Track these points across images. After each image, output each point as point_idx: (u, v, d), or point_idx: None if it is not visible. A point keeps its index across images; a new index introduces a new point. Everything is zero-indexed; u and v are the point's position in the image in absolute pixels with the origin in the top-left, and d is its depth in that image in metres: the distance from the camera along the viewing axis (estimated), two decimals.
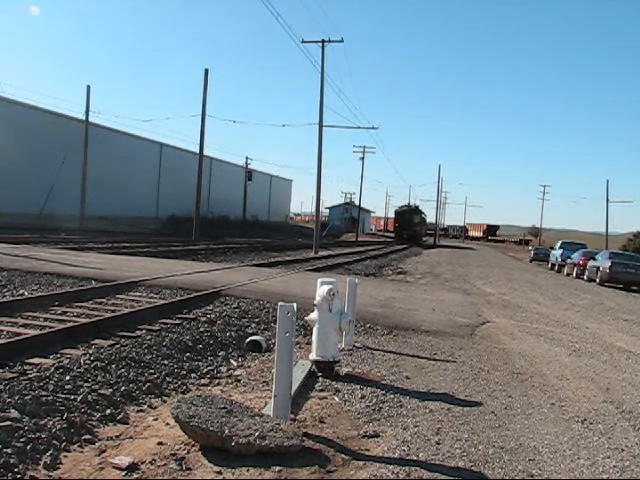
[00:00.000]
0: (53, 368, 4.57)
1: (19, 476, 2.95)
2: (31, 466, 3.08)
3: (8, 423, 3.40)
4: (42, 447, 3.28)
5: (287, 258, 21.92)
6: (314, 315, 5.21)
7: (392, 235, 67.22)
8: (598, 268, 22.89)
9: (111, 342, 5.78)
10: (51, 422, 3.58)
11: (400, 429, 3.92)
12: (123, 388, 4.43)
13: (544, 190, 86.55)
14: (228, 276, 11.94)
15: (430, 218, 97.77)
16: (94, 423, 3.79)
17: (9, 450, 3.12)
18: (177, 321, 7.12)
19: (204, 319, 7.31)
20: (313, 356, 5.24)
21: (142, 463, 3.19)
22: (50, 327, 6.14)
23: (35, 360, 4.94)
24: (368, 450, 3.55)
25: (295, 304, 3.87)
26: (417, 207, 67.56)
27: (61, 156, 35.22)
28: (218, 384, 4.96)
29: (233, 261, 18.96)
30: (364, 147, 61.51)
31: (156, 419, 3.96)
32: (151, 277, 10.52)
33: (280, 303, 3.87)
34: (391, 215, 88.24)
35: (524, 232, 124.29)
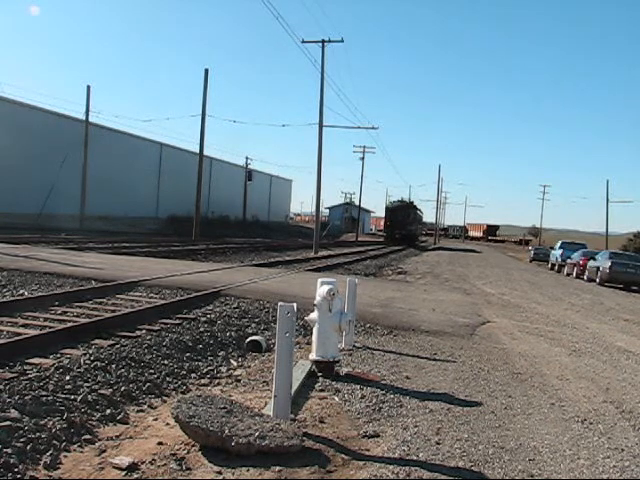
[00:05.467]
0: (53, 368, 4.57)
1: (19, 476, 2.95)
2: (31, 466, 3.08)
3: (8, 423, 3.40)
4: (42, 447, 3.28)
5: (287, 258, 21.92)
6: (314, 315, 5.21)
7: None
8: (598, 268, 22.90)
9: (111, 342, 5.78)
10: (51, 422, 3.58)
11: (400, 429, 3.92)
12: (123, 388, 4.43)
13: (544, 190, 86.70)
14: (228, 276, 11.94)
15: (430, 218, 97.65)
16: (94, 423, 3.79)
17: (9, 450, 3.12)
18: (177, 321, 7.12)
19: (204, 319, 7.31)
20: (313, 356, 5.24)
21: (142, 463, 3.19)
22: (50, 327, 6.14)
23: (35, 360, 4.94)
24: (368, 450, 3.55)
25: (295, 304, 3.87)
26: (412, 203, 58.63)
27: (61, 156, 35.24)
28: (218, 384, 4.96)
29: (233, 261, 18.96)
30: (364, 147, 61.48)
31: (156, 419, 3.96)
32: (151, 277, 10.51)
33: (280, 303, 3.87)
34: None
35: (524, 232, 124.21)
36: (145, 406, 4.26)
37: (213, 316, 7.54)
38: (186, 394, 4.57)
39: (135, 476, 3.06)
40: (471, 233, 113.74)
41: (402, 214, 53.13)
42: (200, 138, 33.03)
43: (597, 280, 22.78)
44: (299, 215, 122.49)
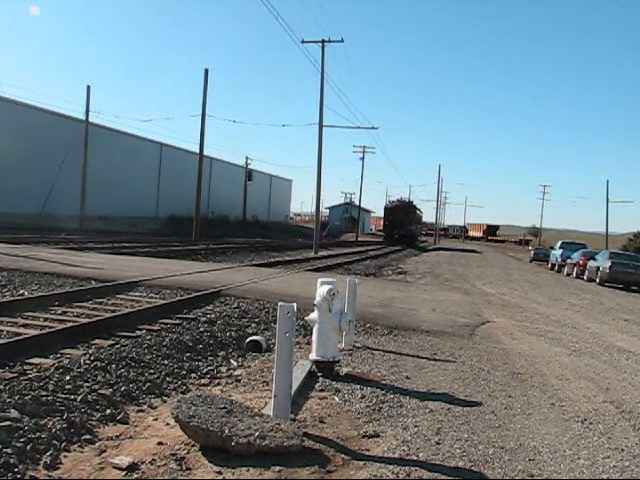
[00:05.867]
0: (53, 368, 4.57)
1: (19, 476, 2.95)
2: (31, 466, 3.08)
3: (8, 423, 3.40)
4: (42, 447, 3.28)
5: (287, 258, 21.92)
6: (314, 315, 5.21)
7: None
8: (598, 268, 22.89)
9: (111, 342, 5.78)
10: (51, 422, 3.58)
11: (400, 429, 3.92)
12: (123, 388, 4.43)
13: (544, 190, 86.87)
14: (228, 276, 11.94)
15: (430, 218, 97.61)
16: (94, 423, 3.79)
17: (9, 450, 3.12)
18: (177, 321, 7.12)
19: (204, 319, 7.31)
20: (313, 356, 5.24)
21: (142, 463, 3.19)
22: (50, 327, 6.14)
23: (35, 360, 4.94)
24: (368, 450, 3.55)
25: (295, 304, 3.87)
26: (411, 202, 57.19)
27: (61, 156, 35.22)
28: (218, 384, 4.96)
29: (233, 261, 18.96)
30: (364, 147, 61.50)
31: (156, 419, 3.96)
32: (151, 277, 10.51)
33: (280, 303, 3.87)
34: None
35: (524, 232, 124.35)
36: (145, 406, 4.26)
37: (213, 316, 7.54)
38: (186, 394, 4.57)
39: (135, 476, 3.06)
40: (471, 233, 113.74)
41: (401, 214, 51.79)
42: (200, 138, 33.05)
43: (597, 280, 22.77)
44: (299, 215, 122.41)
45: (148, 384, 4.65)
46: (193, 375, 5.19)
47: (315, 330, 5.24)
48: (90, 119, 35.97)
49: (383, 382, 5.09)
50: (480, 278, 20.19)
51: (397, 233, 51.10)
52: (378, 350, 6.47)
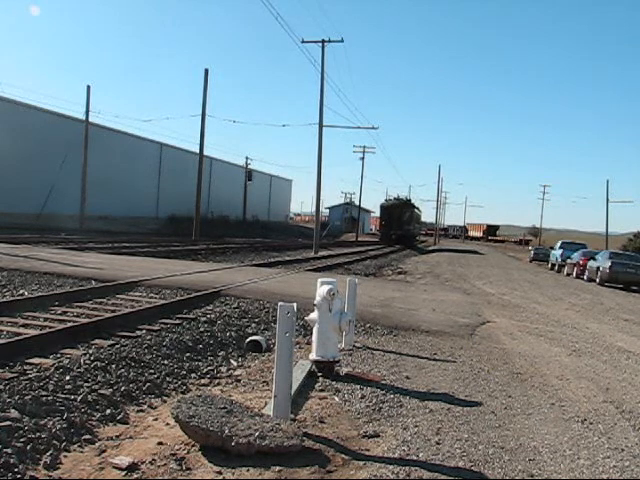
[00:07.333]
0: (53, 368, 4.57)
1: (19, 476, 2.95)
2: (31, 466, 3.08)
3: (8, 423, 3.40)
4: (42, 447, 3.28)
5: (287, 258, 21.92)
6: (314, 315, 5.21)
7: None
8: (598, 268, 22.88)
9: (111, 342, 5.78)
10: (51, 422, 3.58)
11: (400, 429, 3.92)
12: (123, 388, 4.43)
13: (544, 190, 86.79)
14: (228, 276, 11.94)
15: (430, 218, 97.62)
16: (94, 423, 3.79)
17: (9, 450, 3.12)
18: (177, 321, 7.12)
19: (204, 319, 7.31)
20: (313, 356, 5.24)
21: (142, 463, 3.19)
22: (50, 327, 6.14)
23: (35, 360, 4.94)
24: (368, 450, 3.55)
25: (295, 304, 3.87)
26: (409, 200, 53.47)
27: (61, 156, 35.25)
28: (218, 384, 4.96)
29: (233, 261, 18.96)
30: (364, 147, 61.43)
31: (156, 419, 3.96)
32: (151, 277, 10.51)
33: (280, 303, 3.87)
34: None
35: (524, 232, 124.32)
36: (145, 406, 4.26)
37: (213, 316, 7.54)
38: (186, 394, 4.57)
39: (135, 476, 3.06)
40: (471, 233, 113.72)
41: (398, 213, 48.86)
42: (200, 138, 33.05)
43: (597, 280, 22.77)
44: (299, 215, 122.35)
45: (148, 384, 4.65)
46: (193, 375, 5.18)
47: (315, 330, 5.24)
48: (90, 119, 35.99)
49: (383, 382, 5.09)
50: (480, 278, 20.18)
51: (394, 233, 48.35)
52: (378, 350, 6.47)
